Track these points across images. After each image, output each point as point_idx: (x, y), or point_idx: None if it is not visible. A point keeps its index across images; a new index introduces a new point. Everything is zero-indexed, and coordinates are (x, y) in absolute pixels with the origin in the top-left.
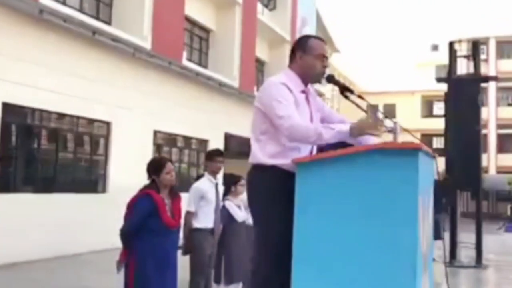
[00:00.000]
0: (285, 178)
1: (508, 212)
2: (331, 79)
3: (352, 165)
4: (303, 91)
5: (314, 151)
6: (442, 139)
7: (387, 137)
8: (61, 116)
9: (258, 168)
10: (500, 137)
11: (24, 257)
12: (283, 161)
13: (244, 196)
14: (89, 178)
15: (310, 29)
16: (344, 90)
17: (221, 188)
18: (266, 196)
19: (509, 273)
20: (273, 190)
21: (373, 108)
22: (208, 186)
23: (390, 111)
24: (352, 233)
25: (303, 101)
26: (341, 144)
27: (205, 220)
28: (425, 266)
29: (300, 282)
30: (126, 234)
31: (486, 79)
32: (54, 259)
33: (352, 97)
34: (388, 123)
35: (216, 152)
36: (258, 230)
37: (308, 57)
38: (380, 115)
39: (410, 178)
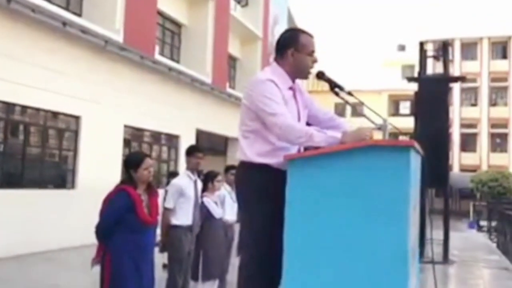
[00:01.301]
0: (274, 176)
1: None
2: (321, 76)
3: (344, 162)
4: (290, 88)
5: (302, 150)
6: (408, 138)
7: (376, 135)
8: (29, 109)
9: (247, 166)
10: (463, 136)
11: None
12: (273, 160)
13: (220, 192)
14: (57, 174)
15: (281, 27)
16: (334, 86)
17: (200, 185)
18: (255, 194)
19: (475, 268)
20: (263, 189)
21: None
22: (187, 182)
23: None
24: (344, 229)
25: (290, 98)
26: None
27: (184, 217)
28: (412, 260)
29: (292, 278)
30: (102, 231)
31: (456, 79)
32: (21, 257)
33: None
34: (377, 120)
35: (196, 148)
36: (246, 227)
37: (300, 55)
38: (365, 112)
39: (402, 175)
